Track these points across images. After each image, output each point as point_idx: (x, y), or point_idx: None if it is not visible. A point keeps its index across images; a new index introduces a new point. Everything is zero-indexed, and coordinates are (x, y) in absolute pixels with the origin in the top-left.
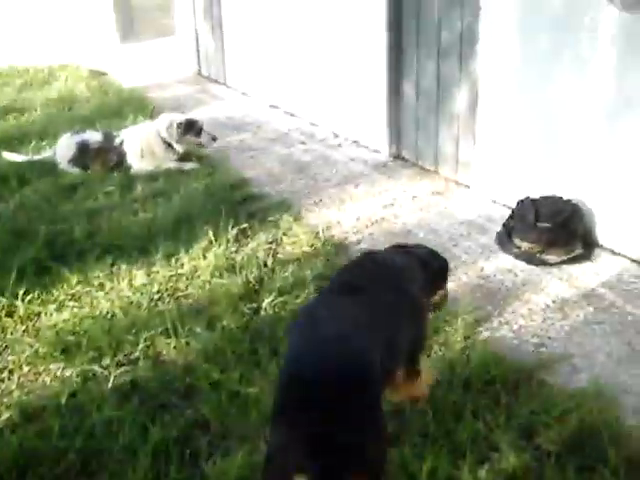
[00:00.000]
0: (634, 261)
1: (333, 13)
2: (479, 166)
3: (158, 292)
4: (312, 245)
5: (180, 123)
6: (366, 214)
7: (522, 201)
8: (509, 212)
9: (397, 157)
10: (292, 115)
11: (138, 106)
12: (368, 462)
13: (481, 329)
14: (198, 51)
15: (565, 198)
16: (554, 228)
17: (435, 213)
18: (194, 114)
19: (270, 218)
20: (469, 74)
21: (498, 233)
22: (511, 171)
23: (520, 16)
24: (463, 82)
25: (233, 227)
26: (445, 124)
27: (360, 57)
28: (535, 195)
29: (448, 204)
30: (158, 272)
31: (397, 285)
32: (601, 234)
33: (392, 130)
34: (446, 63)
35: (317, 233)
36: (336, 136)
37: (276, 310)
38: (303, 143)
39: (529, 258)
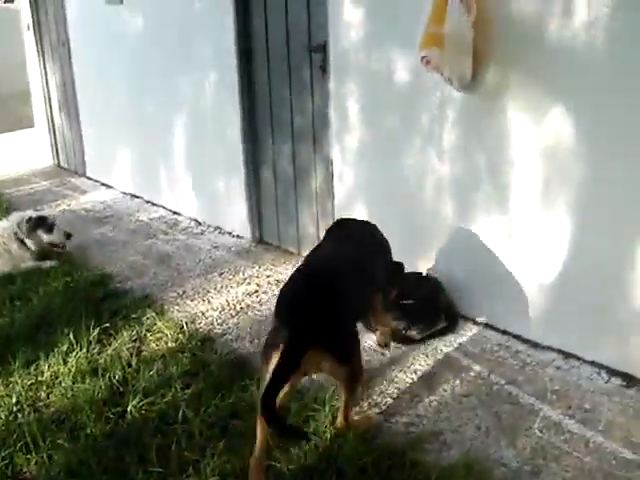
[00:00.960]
0: (495, 329)
1: (189, 102)
2: None
3: (17, 404)
4: (177, 340)
5: (29, 219)
6: (231, 303)
7: None
8: None
9: (260, 241)
10: (154, 204)
11: None
12: (329, 344)
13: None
14: (56, 143)
15: (425, 273)
16: (417, 304)
17: None
18: (53, 208)
19: (133, 315)
20: (323, 156)
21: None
22: None
23: (368, 98)
24: (318, 163)
25: (95, 327)
26: (304, 206)
27: (217, 144)
28: None
29: None
30: (17, 382)
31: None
32: (463, 305)
33: (253, 215)
34: (301, 146)
35: (182, 327)
36: (199, 224)
37: (142, 412)
38: (165, 233)
39: (395, 336)
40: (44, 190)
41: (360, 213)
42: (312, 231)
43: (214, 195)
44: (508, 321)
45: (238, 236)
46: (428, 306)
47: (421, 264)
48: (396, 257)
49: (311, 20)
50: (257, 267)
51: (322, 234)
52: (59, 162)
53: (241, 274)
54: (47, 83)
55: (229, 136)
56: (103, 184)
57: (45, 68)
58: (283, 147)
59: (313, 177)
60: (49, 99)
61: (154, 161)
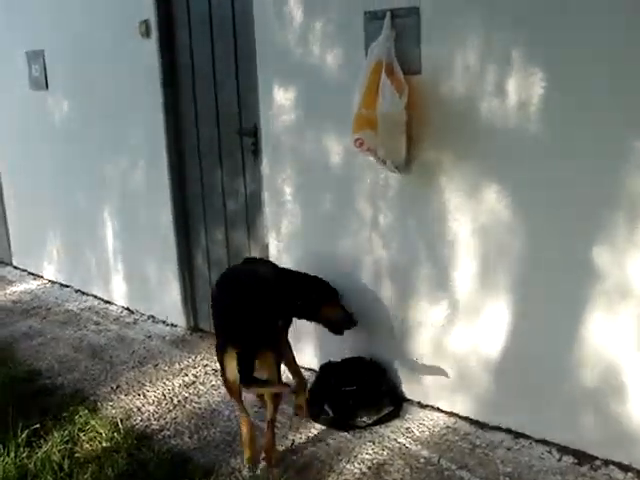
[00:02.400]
0: (442, 411)
1: (119, 189)
2: None
3: None
4: (112, 439)
5: None
6: (168, 396)
7: (324, 366)
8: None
9: (195, 329)
10: (84, 293)
11: None
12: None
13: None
14: None
15: (367, 358)
16: (360, 390)
17: None
18: None
19: (64, 413)
20: (258, 240)
21: (306, 401)
22: (310, 337)
23: (302, 181)
24: (253, 248)
25: (23, 429)
26: None
27: (148, 231)
28: (336, 358)
29: None
30: None
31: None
32: (407, 388)
33: (187, 302)
34: (234, 231)
35: (117, 425)
36: (131, 312)
37: None
38: (97, 323)
39: (339, 424)
40: None
41: None
42: None
43: (146, 283)
44: (454, 402)
45: (172, 324)
46: (371, 392)
47: (361, 348)
48: (336, 342)
49: (241, 104)
50: (193, 357)
51: None
52: None
53: (177, 365)
54: None
55: (161, 222)
56: (30, 273)
57: None
58: (216, 232)
59: None
60: None
61: (83, 249)
